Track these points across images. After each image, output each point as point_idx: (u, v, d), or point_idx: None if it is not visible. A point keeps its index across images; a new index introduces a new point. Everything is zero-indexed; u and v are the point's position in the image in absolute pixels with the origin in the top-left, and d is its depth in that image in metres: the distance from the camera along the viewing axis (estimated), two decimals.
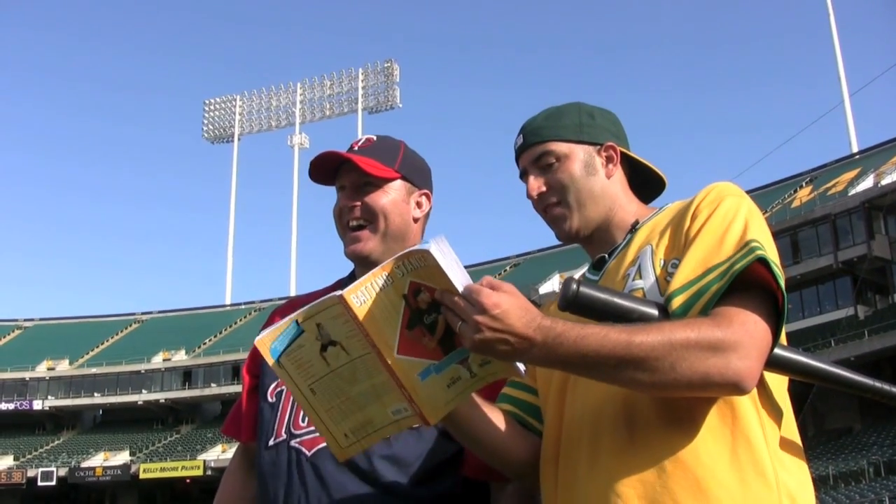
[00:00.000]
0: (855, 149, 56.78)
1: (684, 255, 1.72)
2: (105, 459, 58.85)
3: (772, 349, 1.65)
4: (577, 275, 2.00)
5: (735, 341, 1.58)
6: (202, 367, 61.49)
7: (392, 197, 2.25)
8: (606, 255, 1.96)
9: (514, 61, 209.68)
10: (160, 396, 61.74)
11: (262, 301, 69.68)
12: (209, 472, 53.09)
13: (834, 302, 41.43)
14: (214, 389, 59.60)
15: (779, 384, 1.79)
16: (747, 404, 1.69)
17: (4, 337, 71.31)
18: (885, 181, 42.19)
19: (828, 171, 51.05)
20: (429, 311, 1.62)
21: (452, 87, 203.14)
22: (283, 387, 2.25)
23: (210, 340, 65.44)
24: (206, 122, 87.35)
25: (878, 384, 1.78)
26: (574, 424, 1.80)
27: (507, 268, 63.19)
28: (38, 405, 62.56)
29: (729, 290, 1.63)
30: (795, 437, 1.79)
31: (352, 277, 2.29)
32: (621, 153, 2.02)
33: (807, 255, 41.58)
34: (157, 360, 63.28)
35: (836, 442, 37.56)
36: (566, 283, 1.67)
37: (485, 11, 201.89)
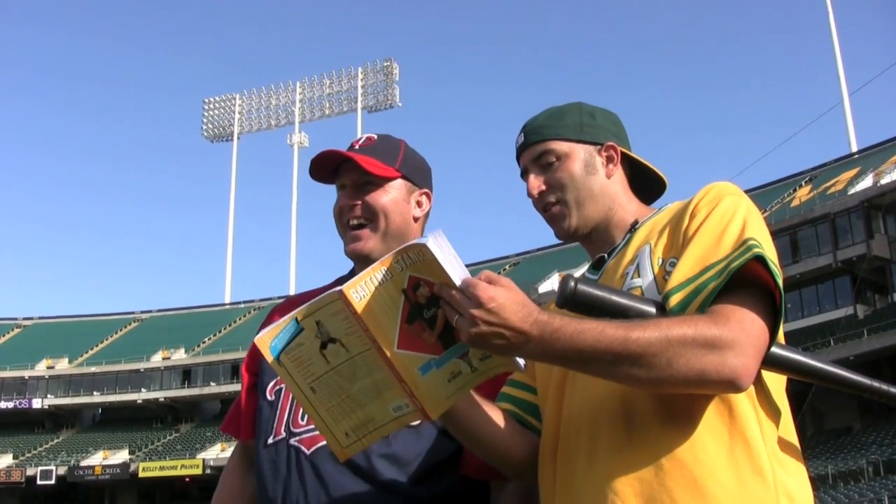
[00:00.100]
0: (854, 148, 56.77)
1: (682, 254, 1.72)
2: (104, 458, 58.85)
3: (769, 347, 1.66)
4: (577, 274, 2.00)
5: (732, 339, 1.58)
6: (201, 365, 61.47)
7: (393, 196, 2.25)
8: (606, 255, 1.97)
9: (513, 60, 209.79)
10: (159, 395, 61.73)
11: (261, 300, 69.66)
12: (208, 471, 53.09)
13: (833, 301, 41.41)
14: (214, 388, 59.61)
15: (777, 384, 1.79)
16: (745, 403, 1.69)
17: (4, 335, 71.29)
18: (885, 180, 42.19)
19: (827, 170, 51.05)
20: (428, 305, 1.63)
21: (452, 86, 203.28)
22: (283, 385, 2.25)
23: (209, 339, 65.44)
24: (205, 120, 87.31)
25: (876, 384, 1.78)
26: (572, 422, 1.80)
27: (507, 267, 63.17)
28: (37, 404, 62.55)
29: (727, 288, 1.64)
30: (793, 436, 1.79)
31: (351, 276, 2.29)
32: (622, 154, 2.02)
33: (806, 254, 41.58)
34: (157, 359, 63.27)
35: (836, 441, 37.57)
36: (564, 281, 1.67)
37: (484, 10, 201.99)
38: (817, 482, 32.02)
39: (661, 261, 1.79)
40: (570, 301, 1.66)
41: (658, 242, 1.83)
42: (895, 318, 36.59)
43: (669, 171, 2.09)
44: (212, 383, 60.02)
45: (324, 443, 2.07)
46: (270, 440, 2.22)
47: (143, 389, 62.01)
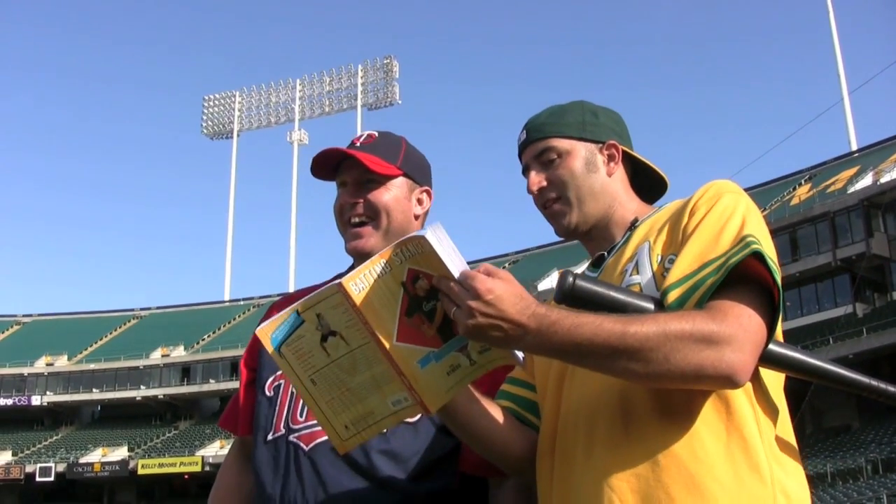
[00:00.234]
0: (854, 147, 56.78)
1: (681, 251, 1.73)
2: (103, 455, 58.86)
3: (766, 344, 1.66)
4: (576, 272, 2.01)
5: (729, 334, 1.58)
6: (201, 363, 61.49)
7: (394, 194, 2.25)
8: (605, 253, 1.97)
9: (513, 58, 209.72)
10: (158, 392, 61.72)
11: (260, 297, 69.69)
12: (207, 468, 53.09)
13: (832, 300, 41.43)
14: (213, 385, 59.63)
15: (775, 381, 1.79)
16: (743, 400, 1.69)
17: (3, 332, 71.28)
18: (884, 179, 42.18)
19: (827, 168, 51.05)
20: (427, 298, 1.63)
21: (452, 84, 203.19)
22: (282, 380, 2.26)
23: (209, 336, 65.46)
24: (205, 118, 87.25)
25: (874, 383, 1.78)
26: (570, 417, 1.81)
27: (506, 264, 63.17)
28: (36, 401, 62.55)
29: (725, 285, 1.64)
30: (790, 434, 1.80)
31: None
32: (623, 152, 2.03)
33: (805, 252, 41.59)
34: (156, 356, 63.27)
35: (835, 440, 37.59)
36: (562, 276, 1.68)
37: (484, 8, 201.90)
38: (816, 480, 32.04)
39: (659, 258, 1.79)
40: (569, 296, 1.67)
41: (657, 240, 1.83)
42: (894, 317, 36.60)
43: (669, 170, 2.09)
44: (211, 380, 60.04)
45: (323, 439, 2.08)
46: (269, 436, 2.22)
47: (142, 386, 62.01)
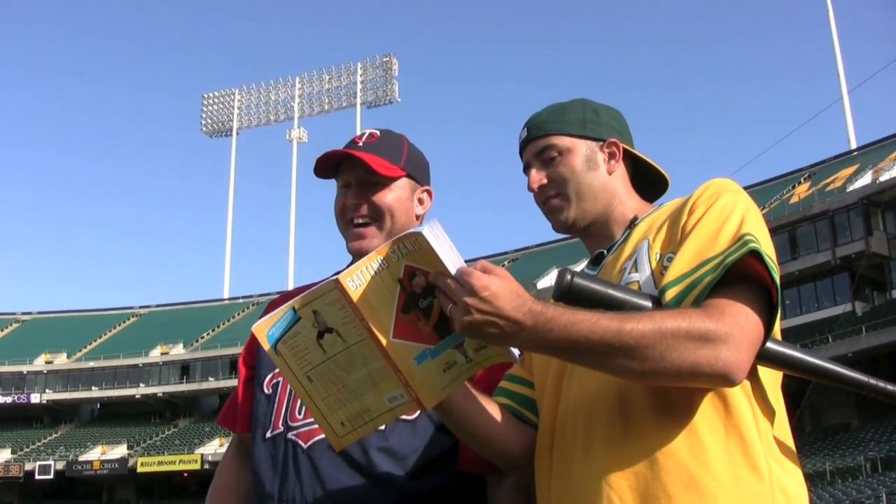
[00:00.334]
0: (853, 145, 56.76)
1: (680, 249, 1.73)
2: (103, 453, 58.86)
3: (764, 342, 1.66)
4: (576, 269, 2.01)
5: (725, 333, 1.58)
6: (200, 361, 61.50)
7: (397, 195, 2.24)
8: (605, 251, 1.97)
9: (512, 56, 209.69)
10: (158, 390, 61.74)
11: (260, 295, 69.61)
12: (207, 466, 53.10)
13: (832, 298, 41.42)
14: (212, 383, 59.63)
15: (773, 380, 1.79)
16: (741, 399, 1.69)
17: (2, 330, 71.27)
18: (884, 178, 42.15)
19: (826, 167, 51.04)
20: (424, 295, 1.63)
21: (451, 82, 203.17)
22: (280, 378, 2.25)
23: (208, 334, 65.46)
24: (204, 116, 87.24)
25: (873, 381, 1.78)
26: (569, 415, 1.81)
27: (506, 262, 63.17)
28: (35, 398, 62.56)
29: (722, 283, 1.64)
30: (788, 432, 1.80)
31: None
32: (625, 151, 2.02)
33: (805, 251, 41.58)
34: (155, 354, 63.26)
35: (834, 438, 37.59)
36: (561, 274, 1.68)
37: (483, 6, 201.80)
38: (815, 479, 32.04)
39: (658, 256, 1.79)
40: (567, 294, 1.67)
41: (656, 238, 1.83)
42: (893, 315, 36.59)
43: (668, 168, 2.09)
44: (210, 378, 60.03)
45: (321, 436, 2.07)
46: (268, 434, 2.22)
47: (141, 384, 62.03)
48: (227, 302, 73.56)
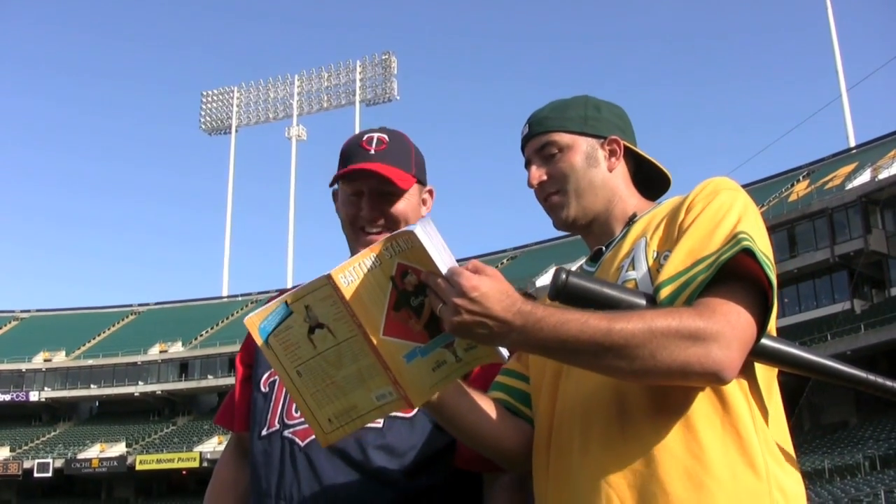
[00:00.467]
0: (852, 143, 56.79)
1: (675, 247, 1.72)
2: (101, 451, 58.87)
3: (757, 340, 1.66)
4: (574, 267, 2.01)
5: (716, 331, 1.58)
6: (199, 358, 61.49)
7: (410, 202, 2.24)
8: (603, 247, 1.97)
9: (511, 54, 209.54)
10: (156, 388, 61.74)
11: (258, 293, 69.57)
12: (205, 464, 53.07)
13: (830, 296, 41.43)
14: (211, 381, 59.61)
15: (770, 377, 1.79)
16: (738, 396, 1.69)
17: (1, 328, 71.24)
18: (883, 175, 42.17)
19: (825, 165, 51.01)
20: (416, 293, 1.63)
21: (450, 80, 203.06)
22: (277, 377, 2.25)
23: (207, 332, 65.43)
24: (203, 113, 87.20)
25: (871, 377, 1.78)
26: (566, 414, 1.80)
27: (505, 260, 63.17)
28: (34, 396, 62.57)
29: (716, 282, 1.64)
30: (785, 430, 1.80)
31: None
32: (626, 148, 2.02)
33: (803, 249, 41.59)
34: (154, 352, 63.25)
35: (832, 436, 37.63)
36: (556, 273, 1.68)
37: (482, 4, 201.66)
38: (814, 477, 32.09)
39: (655, 254, 1.79)
40: (562, 293, 1.67)
41: (654, 236, 1.83)
42: (892, 313, 36.62)
43: (667, 166, 2.08)
44: (209, 376, 60.02)
45: None
46: (265, 432, 2.22)
47: (140, 382, 62.02)
48: (225, 300, 73.50)
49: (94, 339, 68.04)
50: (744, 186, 1.82)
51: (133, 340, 64.43)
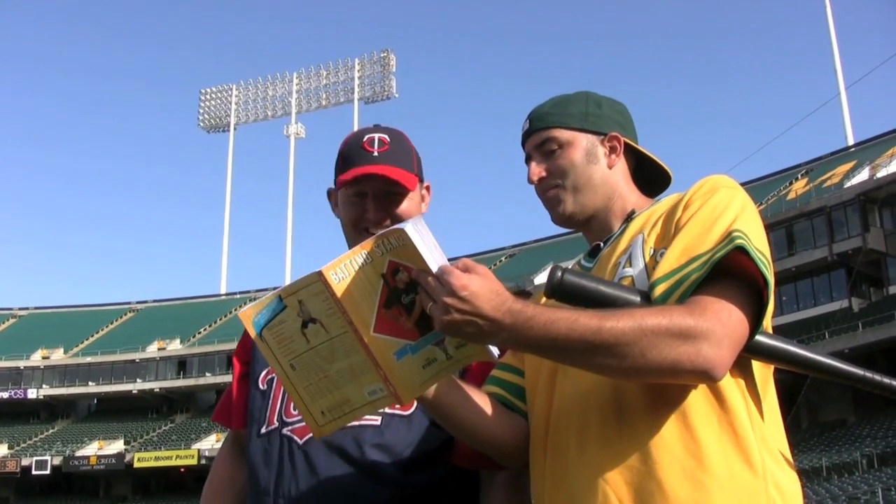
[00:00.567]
0: (851, 141, 56.79)
1: (671, 245, 1.73)
2: (99, 448, 58.85)
3: (749, 338, 1.66)
4: (571, 264, 2.01)
5: (707, 329, 1.58)
6: (197, 356, 61.46)
7: (414, 201, 2.23)
8: (602, 243, 1.98)
9: (510, 52, 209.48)
10: (155, 385, 61.70)
11: (257, 290, 69.45)
12: (203, 462, 53.06)
13: (828, 294, 41.44)
14: (209, 379, 59.57)
15: (766, 375, 1.79)
16: (735, 394, 1.69)
17: None
18: (881, 174, 42.15)
19: (823, 163, 50.98)
20: (407, 291, 1.64)
21: (449, 78, 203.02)
22: (275, 374, 2.25)
23: (205, 330, 65.38)
24: (202, 111, 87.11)
25: (868, 374, 1.78)
26: (563, 411, 1.81)
27: (503, 258, 63.17)
28: (32, 394, 62.51)
29: (710, 280, 1.64)
30: (781, 427, 1.80)
31: None
32: (627, 145, 2.02)
33: (802, 247, 41.58)
34: (152, 350, 63.22)
35: (830, 434, 37.65)
36: (552, 271, 1.68)
37: (481, 2, 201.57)
38: (812, 475, 32.13)
39: (652, 250, 1.79)
40: (558, 290, 1.67)
41: (651, 232, 1.83)
42: (890, 312, 36.64)
43: (665, 164, 2.09)
44: (207, 374, 59.99)
45: None
46: (263, 430, 2.22)
47: (138, 380, 61.99)
48: (224, 297, 73.41)
49: (92, 336, 67.99)
50: (742, 184, 1.82)
51: (131, 338, 64.39)
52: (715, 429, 1.66)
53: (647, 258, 1.78)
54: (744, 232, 1.67)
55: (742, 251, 1.65)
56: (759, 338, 1.68)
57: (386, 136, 2.24)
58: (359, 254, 1.62)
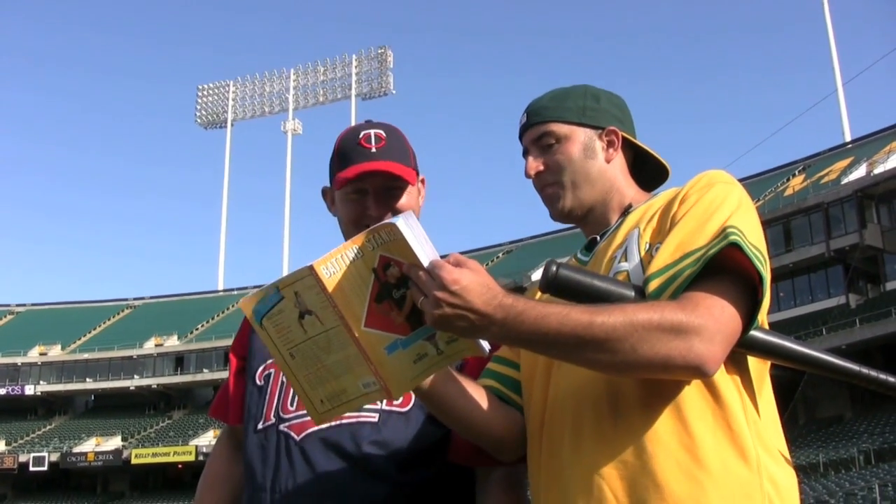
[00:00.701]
0: (848, 137, 56.79)
1: (665, 239, 1.72)
2: (97, 445, 58.82)
3: (743, 334, 1.66)
4: (567, 259, 2.01)
5: (698, 325, 1.58)
6: (194, 352, 61.43)
7: (413, 195, 2.23)
8: (598, 237, 1.97)
9: (507, 49, 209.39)
10: (152, 382, 61.67)
11: (254, 287, 68.46)
12: (201, 458, 52.99)
13: (825, 290, 41.49)
14: (206, 375, 59.56)
15: (761, 370, 1.79)
16: (730, 389, 1.69)
17: None
18: (878, 170, 42.17)
19: (821, 159, 51.02)
20: (398, 285, 1.64)
21: (446, 74, 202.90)
22: (272, 370, 2.25)
23: (202, 326, 65.37)
24: (199, 107, 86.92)
25: (864, 370, 1.78)
26: (558, 405, 1.81)
27: (500, 254, 63.17)
28: (29, 390, 62.46)
29: (703, 276, 1.64)
30: (777, 422, 1.80)
31: None
32: (625, 139, 2.02)
33: (799, 243, 41.61)
34: (150, 346, 63.18)
35: (827, 430, 37.68)
36: (546, 266, 1.68)
37: None
38: (808, 471, 32.15)
39: (648, 245, 1.79)
40: (552, 285, 1.67)
41: (647, 227, 1.83)
42: (887, 308, 36.68)
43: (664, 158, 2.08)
44: (205, 370, 59.98)
45: (314, 428, 2.09)
46: (260, 426, 2.21)
47: (135, 376, 61.96)
48: (221, 293, 73.39)
49: (89, 332, 67.94)
50: (739, 181, 1.82)
51: (129, 334, 64.35)
52: (710, 423, 1.66)
53: (643, 253, 1.78)
54: (739, 228, 1.67)
55: (737, 247, 1.64)
56: (754, 333, 1.68)
57: (382, 132, 2.23)
58: (350, 248, 1.63)
